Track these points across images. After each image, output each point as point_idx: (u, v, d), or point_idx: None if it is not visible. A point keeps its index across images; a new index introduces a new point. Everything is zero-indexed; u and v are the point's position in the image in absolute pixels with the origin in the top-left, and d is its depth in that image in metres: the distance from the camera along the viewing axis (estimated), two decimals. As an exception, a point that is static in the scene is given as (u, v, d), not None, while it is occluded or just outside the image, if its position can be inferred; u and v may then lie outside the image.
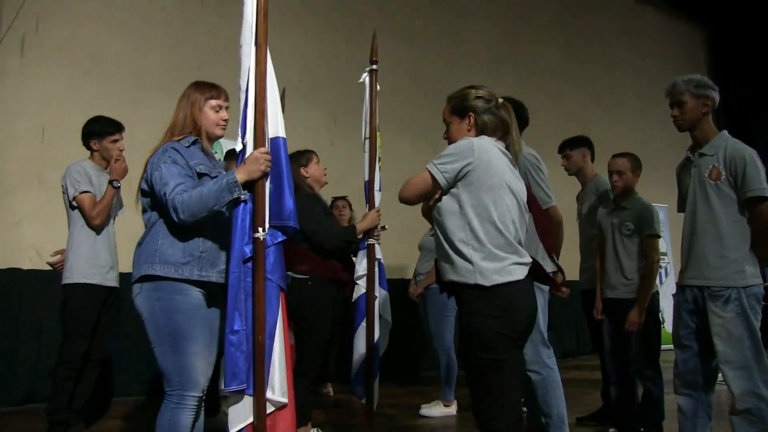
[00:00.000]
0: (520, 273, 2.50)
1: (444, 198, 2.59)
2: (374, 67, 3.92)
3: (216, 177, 2.79)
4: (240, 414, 2.74)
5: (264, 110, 2.77)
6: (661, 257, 9.94)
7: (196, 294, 2.78)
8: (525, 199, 2.67)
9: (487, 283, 2.43)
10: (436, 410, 5.27)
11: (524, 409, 4.78)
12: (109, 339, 4.42)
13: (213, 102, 2.90)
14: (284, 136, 2.89)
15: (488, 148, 2.56)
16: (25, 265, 5.60)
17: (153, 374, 5.55)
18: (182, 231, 2.75)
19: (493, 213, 2.49)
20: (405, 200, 2.69)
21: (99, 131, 4.26)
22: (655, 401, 4.13)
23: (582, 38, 10.99)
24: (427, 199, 2.73)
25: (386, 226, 4.06)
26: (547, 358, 3.75)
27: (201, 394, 2.79)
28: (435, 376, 5.81)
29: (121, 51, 6.32)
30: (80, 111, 5.46)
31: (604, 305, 4.40)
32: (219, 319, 2.96)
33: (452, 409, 5.31)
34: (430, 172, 2.56)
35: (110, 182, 4.14)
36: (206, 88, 2.92)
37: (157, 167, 2.74)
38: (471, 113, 2.66)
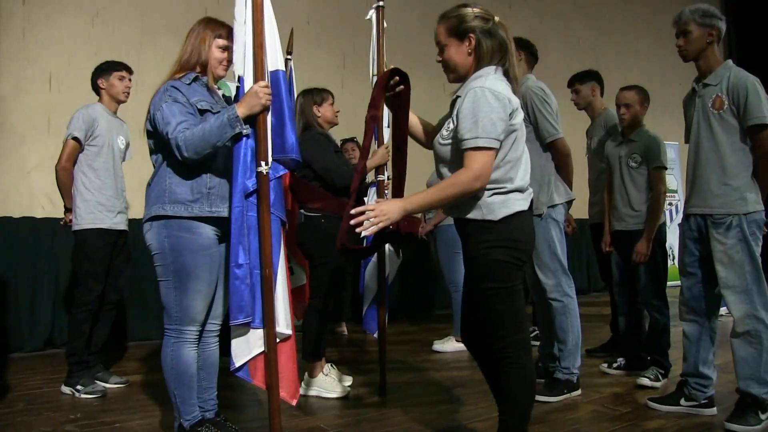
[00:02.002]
0: (524, 204, 2.47)
1: (449, 138, 2.48)
2: (381, 3, 3.84)
3: (218, 113, 2.77)
4: (244, 348, 2.79)
5: (262, 43, 2.72)
6: (672, 194, 9.88)
7: (207, 232, 2.81)
8: (524, 128, 2.55)
9: (494, 218, 2.40)
10: (448, 345, 5.36)
11: (533, 327, 4.86)
12: (124, 283, 4.50)
13: (221, 41, 2.88)
14: (284, 69, 2.84)
15: (501, 88, 2.40)
16: (39, 214, 5.66)
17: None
18: (189, 169, 2.76)
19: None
20: (482, 187, 2.39)
21: (105, 68, 4.32)
22: (661, 330, 4.19)
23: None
24: None
25: (390, 177, 4.03)
26: (568, 287, 3.80)
27: (199, 328, 2.85)
28: (447, 314, 5.86)
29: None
30: (87, 57, 5.46)
31: (612, 237, 4.44)
32: None
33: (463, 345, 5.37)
34: (490, 147, 2.34)
35: (66, 210, 4.26)
36: (216, 26, 2.90)
37: (159, 107, 2.74)
38: (471, 35, 2.47)
